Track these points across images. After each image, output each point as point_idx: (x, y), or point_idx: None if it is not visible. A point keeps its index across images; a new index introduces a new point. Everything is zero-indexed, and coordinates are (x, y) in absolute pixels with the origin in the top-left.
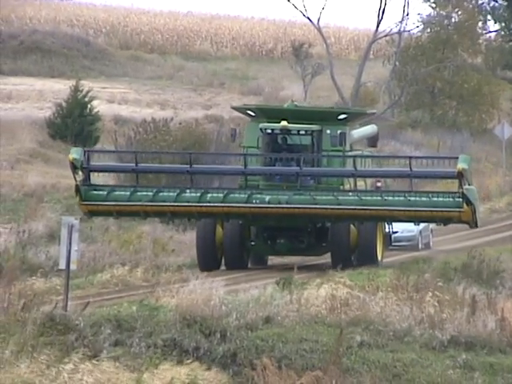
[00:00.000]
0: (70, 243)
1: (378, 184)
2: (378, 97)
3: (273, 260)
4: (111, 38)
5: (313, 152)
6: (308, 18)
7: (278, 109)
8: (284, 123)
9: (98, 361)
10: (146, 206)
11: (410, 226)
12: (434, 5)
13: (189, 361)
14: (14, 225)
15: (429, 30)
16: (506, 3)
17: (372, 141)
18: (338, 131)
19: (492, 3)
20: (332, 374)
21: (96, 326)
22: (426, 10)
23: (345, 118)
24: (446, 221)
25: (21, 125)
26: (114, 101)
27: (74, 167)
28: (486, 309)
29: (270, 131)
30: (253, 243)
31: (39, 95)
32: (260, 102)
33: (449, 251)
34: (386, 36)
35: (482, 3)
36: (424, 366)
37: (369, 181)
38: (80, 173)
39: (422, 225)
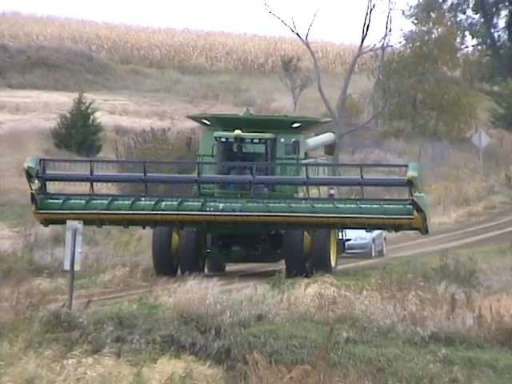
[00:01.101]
0: (74, 246)
1: (331, 192)
2: (362, 108)
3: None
4: (112, 54)
5: (267, 160)
6: (297, 33)
7: (232, 118)
8: (238, 132)
9: (100, 356)
10: (101, 214)
11: (363, 233)
12: (415, 21)
13: (186, 356)
14: (21, 229)
15: (410, 44)
16: (482, 20)
17: (329, 149)
18: (292, 139)
19: (469, 20)
20: (320, 368)
21: (99, 324)
22: (408, 26)
23: (298, 127)
24: (397, 227)
25: (28, 135)
26: (115, 112)
27: (29, 176)
28: (465, 306)
29: (224, 140)
30: (208, 250)
31: (45, 107)
32: (252, 112)
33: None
34: (370, 51)
35: (460, 20)
36: (406, 361)
37: (322, 189)
38: (35, 182)
39: (376, 232)
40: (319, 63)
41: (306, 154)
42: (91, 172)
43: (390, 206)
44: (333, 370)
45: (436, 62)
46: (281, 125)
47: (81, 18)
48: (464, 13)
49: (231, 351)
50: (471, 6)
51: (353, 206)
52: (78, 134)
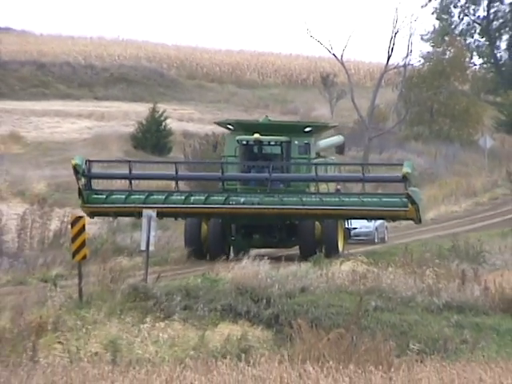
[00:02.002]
0: (149, 230)
1: (338, 187)
2: (388, 115)
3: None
4: (180, 71)
5: (282, 160)
6: (333, 54)
7: (252, 123)
8: (257, 135)
9: (170, 321)
10: (139, 207)
11: (368, 222)
12: (432, 44)
13: (241, 321)
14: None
15: (428, 63)
16: (487, 43)
17: (339, 149)
18: (304, 141)
19: (476, 43)
20: (353, 331)
21: (169, 294)
22: (426, 48)
23: (310, 131)
24: (393, 218)
25: (111, 138)
26: (183, 119)
27: (76, 171)
28: (473, 280)
29: (245, 142)
30: (233, 238)
31: (125, 115)
32: (296, 119)
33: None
34: (394, 68)
35: (469, 43)
36: (424, 325)
37: (331, 184)
38: (82, 180)
39: (378, 222)
40: (352, 79)
41: (318, 154)
42: (130, 171)
43: (388, 199)
44: (363, 332)
45: (449, 78)
46: (294, 129)
47: (154, 40)
48: (472, 37)
49: (279, 317)
50: (478, 31)
51: (356, 199)
52: (152, 137)
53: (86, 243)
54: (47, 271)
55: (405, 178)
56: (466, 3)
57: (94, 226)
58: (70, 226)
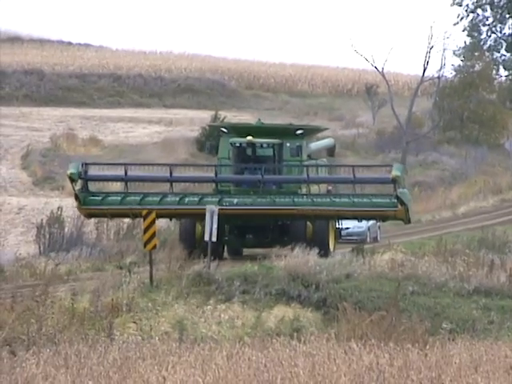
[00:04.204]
0: (212, 223)
1: (329, 188)
2: (423, 122)
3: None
4: (239, 82)
5: (275, 162)
6: (375, 67)
7: (245, 126)
8: (249, 138)
9: (230, 303)
10: (134, 209)
11: (360, 222)
12: (462, 58)
13: (294, 304)
14: None
15: (459, 75)
16: None
17: (330, 151)
18: (296, 144)
19: (503, 57)
20: (392, 313)
21: (230, 280)
22: (457, 61)
23: (302, 133)
24: (384, 218)
25: (178, 142)
26: None
27: (72, 180)
28: (499, 268)
29: (238, 145)
30: (226, 238)
31: (190, 121)
32: (341, 126)
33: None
34: (429, 80)
35: (496, 57)
36: (456, 308)
37: (322, 186)
38: (78, 182)
39: (371, 222)
40: (392, 89)
41: (309, 156)
42: (125, 173)
43: (378, 200)
44: (401, 314)
45: (478, 88)
46: (286, 132)
47: (217, 55)
48: (499, 52)
49: (327, 301)
50: (504, 47)
51: (346, 200)
52: (215, 141)
53: (156, 234)
54: (122, 259)
55: (394, 180)
56: (493, 22)
57: (163, 219)
58: (142, 219)
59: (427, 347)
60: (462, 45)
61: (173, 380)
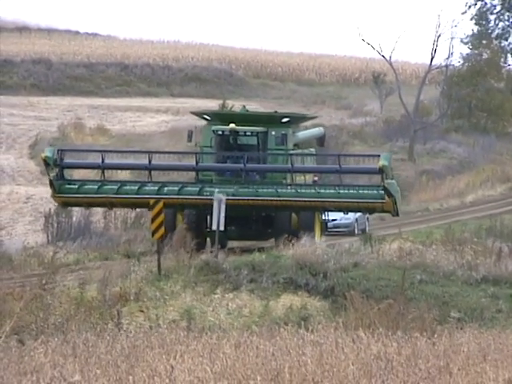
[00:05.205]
0: (219, 212)
1: (315, 178)
2: (431, 110)
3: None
4: (247, 71)
5: (259, 150)
6: (383, 55)
7: (229, 113)
8: (232, 125)
9: (238, 292)
10: (112, 197)
11: (348, 214)
12: (470, 46)
13: (301, 292)
14: None
15: (467, 63)
16: None
17: (320, 141)
18: (281, 132)
19: (510, 45)
20: (400, 301)
21: (237, 269)
22: (465, 49)
23: (287, 121)
24: (370, 210)
25: (185, 131)
26: None
27: (47, 164)
28: (508, 256)
29: (220, 132)
30: (208, 230)
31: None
32: (349, 114)
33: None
34: (437, 68)
35: (504, 45)
36: (464, 296)
37: (308, 176)
38: (54, 169)
39: (359, 213)
40: (399, 77)
41: (297, 145)
42: (102, 161)
43: (365, 192)
44: (409, 303)
45: (486, 77)
46: (271, 119)
47: (224, 44)
48: (506, 40)
49: (334, 289)
50: None
51: (332, 191)
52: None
53: (163, 223)
54: (129, 248)
55: (381, 170)
56: (501, 10)
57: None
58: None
59: (435, 336)
60: (470, 33)
61: (181, 369)
